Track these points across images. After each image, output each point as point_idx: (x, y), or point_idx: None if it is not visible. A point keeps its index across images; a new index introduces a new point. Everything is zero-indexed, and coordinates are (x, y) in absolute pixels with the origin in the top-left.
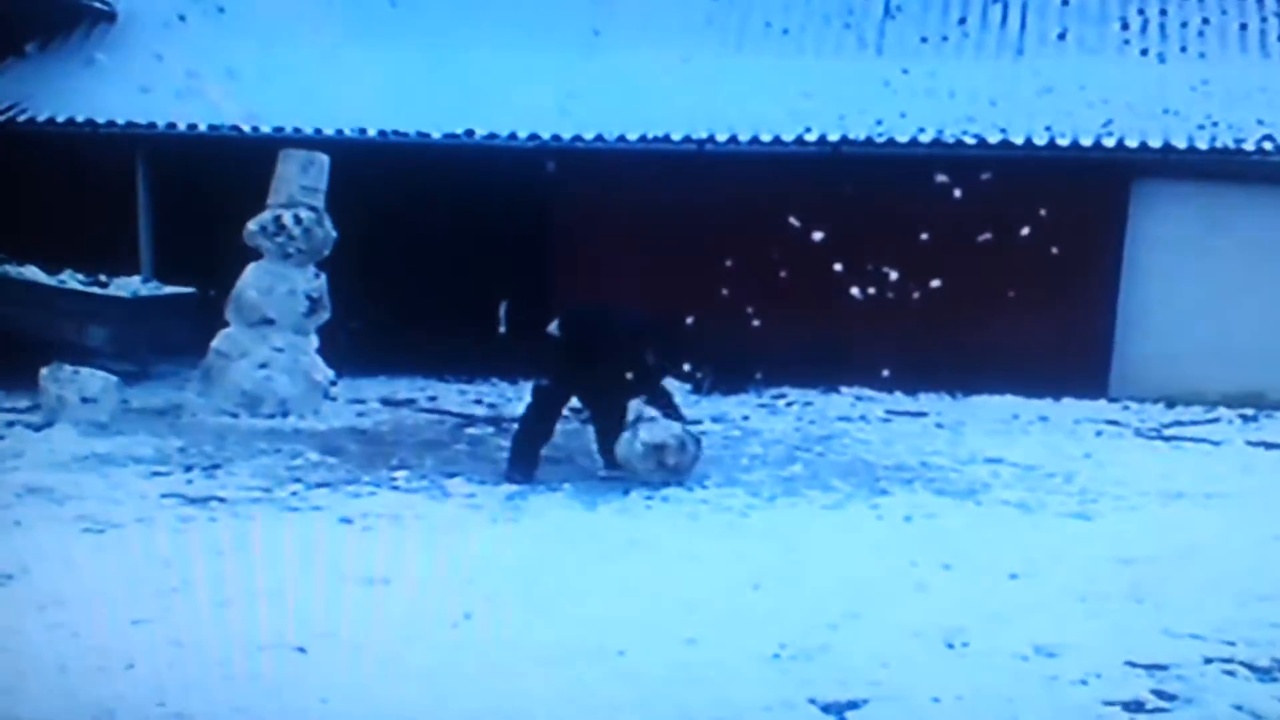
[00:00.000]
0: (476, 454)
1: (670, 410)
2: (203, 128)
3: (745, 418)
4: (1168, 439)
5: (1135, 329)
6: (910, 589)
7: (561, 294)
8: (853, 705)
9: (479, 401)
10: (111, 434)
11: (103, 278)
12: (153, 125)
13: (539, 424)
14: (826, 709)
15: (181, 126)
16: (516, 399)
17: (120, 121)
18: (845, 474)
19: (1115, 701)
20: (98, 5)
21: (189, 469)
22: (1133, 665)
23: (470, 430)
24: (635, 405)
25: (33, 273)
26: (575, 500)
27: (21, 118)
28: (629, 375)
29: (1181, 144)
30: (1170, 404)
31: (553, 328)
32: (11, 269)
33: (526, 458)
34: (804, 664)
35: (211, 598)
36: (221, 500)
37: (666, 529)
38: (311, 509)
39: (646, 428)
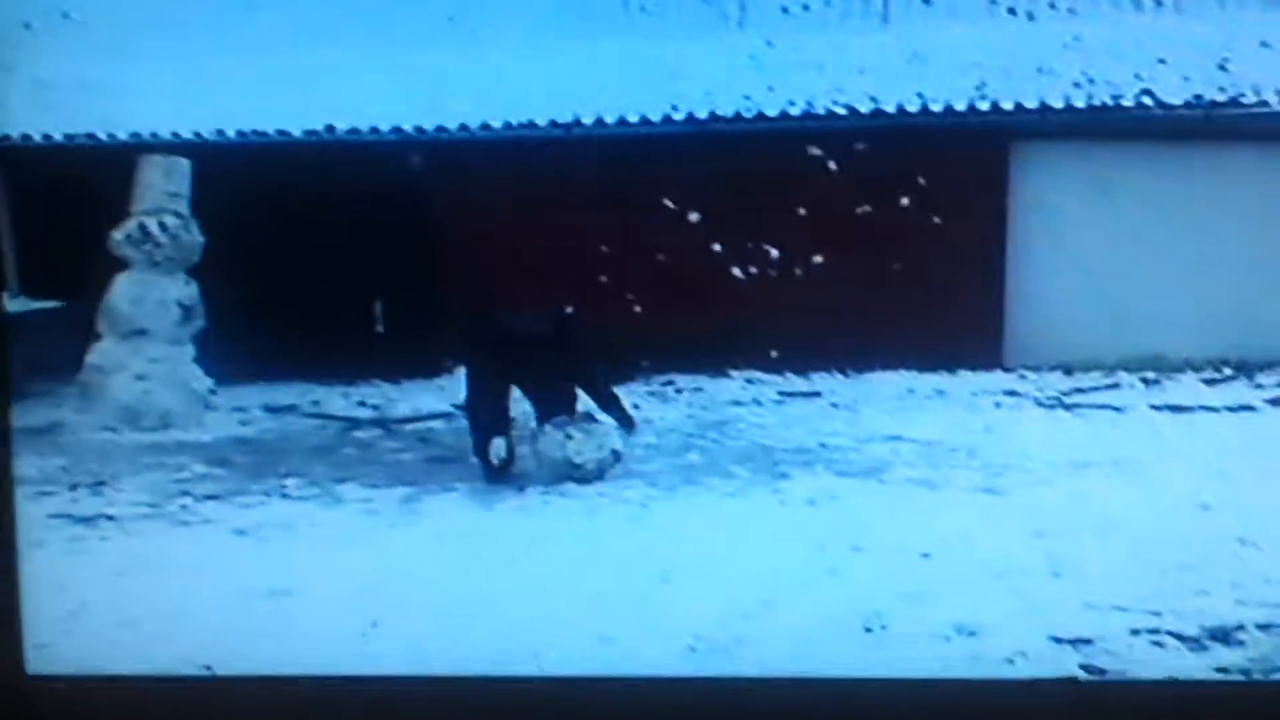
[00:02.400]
0: (366, 458)
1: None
2: (57, 137)
3: (635, 406)
4: (1069, 407)
5: (1026, 296)
6: (822, 574)
7: (439, 290)
8: None
9: (363, 404)
10: None
11: None
12: (6, 137)
13: (487, 414)
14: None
15: (36, 137)
16: (400, 400)
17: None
18: (743, 460)
19: (1044, 679)
20: None
21: (74, 487)
22: (1058, 641)
23: (357, 434)
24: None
25: None
26: (471, 500)
27: None
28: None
29: (1058, 103)
30: (1068, 371)
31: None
32: None
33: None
34: (721, 656)
35: (111, 618)
36: (111, 518)
37: (568, 525)
38: (203, 522)
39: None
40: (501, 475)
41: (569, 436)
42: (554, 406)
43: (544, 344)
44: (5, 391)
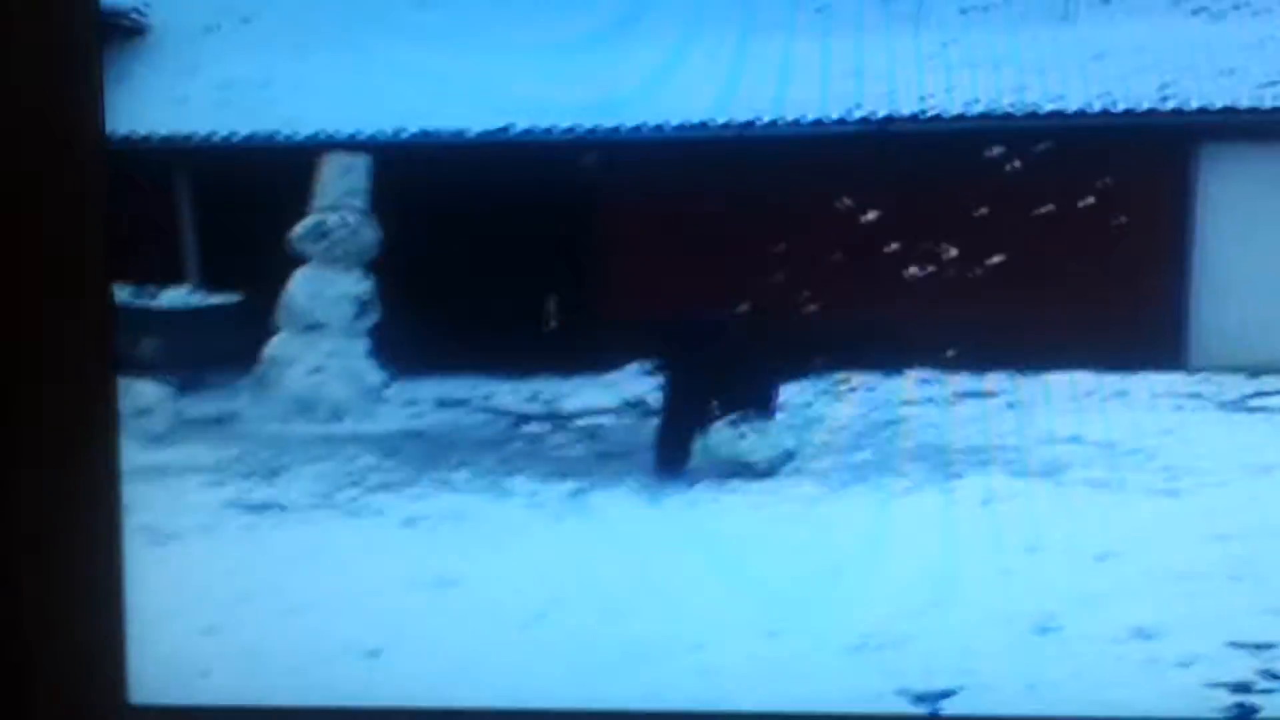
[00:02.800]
0: (535, 451)
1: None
2: (239, 137)
3: (808, 404)
4: (1252, 410)
5: (1213, 298)
6: (995, 574)
7: (613, 287)
8: (945, 694)
9: (534, 399)
10: (168, 445)
11: (150, 289)
12: (190, 137)
13: (676, 412)
14: (918, 699)
15: (218, 137)
16: (571, 395)
17: (159, 134)
18: (916, 459)
19: (1220, 683)
20: (126, 23)
21: (248, 477)
22: (1236, 646)
23: (527, 428)
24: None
25: None
26: (639, 495)
27: None
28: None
29: (1244, 104)
30: (1253, 374)
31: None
32: None
33: (671, 448)
34: (890, 654)
35: (280, 605)
36: (282, 507)
37: (736, 521)
38: (373, 513)
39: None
40: (676, 473)
41: (742, 435)
42: (744, 404)
43: (741, 341)
44: (110, 390)
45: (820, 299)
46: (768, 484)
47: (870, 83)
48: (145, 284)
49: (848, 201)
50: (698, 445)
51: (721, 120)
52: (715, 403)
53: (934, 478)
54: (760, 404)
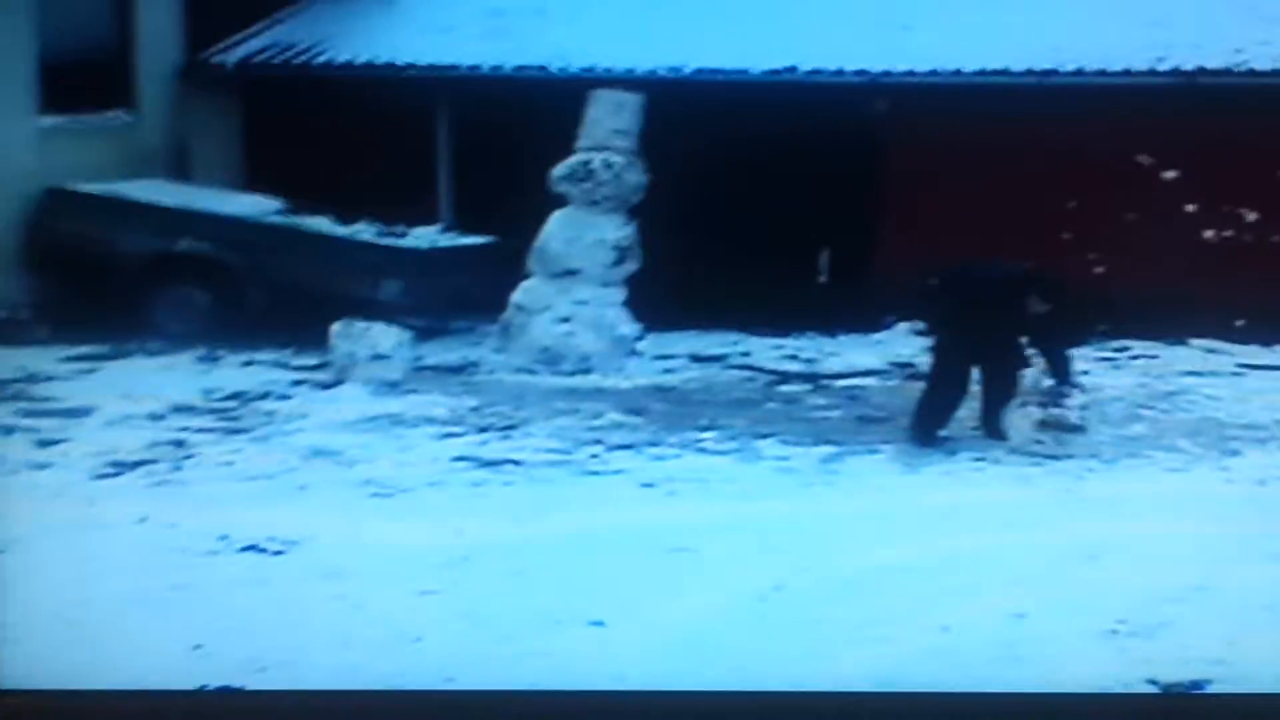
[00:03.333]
0: (791, 414)
1: (1064, 374)
2: (507, 69)
3: (1085, 373)
4: None
5: None
6: (1262, 559)
7: (889, 241)
8: (1196, 686)
9: (794, 358)
10: (403, 392)
11: (399, 228)
12: (454, 67)
13: (942, 382)
14: (1167, 689)
15: (485, 68)
16: (834, 354)
17: (421, 63)
18: (1193, 434)
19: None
20: None
21: (483, 430)
22: None
23: (784, 388)
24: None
25: (324, 224)
26: (896, 463)
27: (318, 60)
28: (1019, 337)
29: None
30: None
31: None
32: (303, 221)
33: (930, 417)
34: (1143, 641)
35: (505, 568)
36: (517, 464)
37: (995, 494)
38: (612, 473)
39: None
40: (935, 442)
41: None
42: (999, 381)
43: (1020, 295)
44: None
45: (1109, 261)
46: (1033, 455)
47: (1178, 32)
48: (392, 222)
49: (1146, 158)
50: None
51: (1021, 68)
52: (988, 368)
53: (1210, 454)
54: (1061, 373)
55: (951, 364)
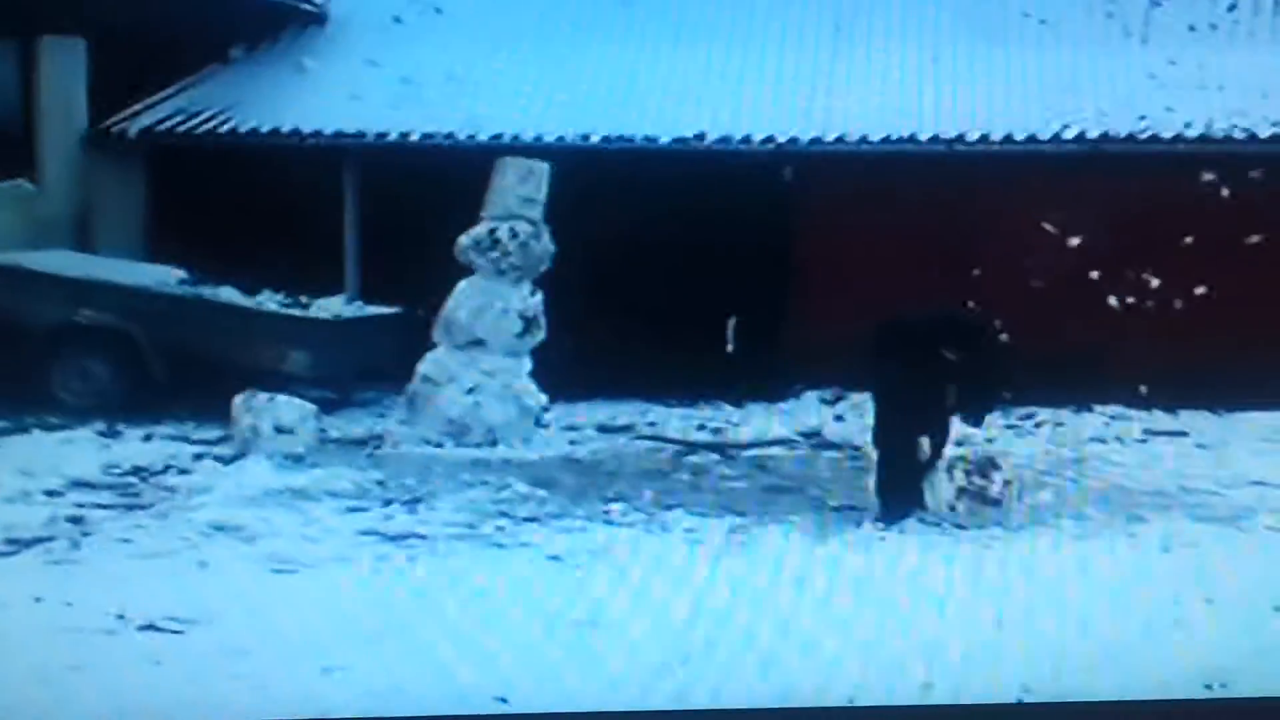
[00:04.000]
0: (699, 485)
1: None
2: (416, 136)
3: (990, 440)
4: None
5: None
6: (1169, 626)
7: (796, 310)
8: None
9: (703, 427)
10: (307, 466)
11: (304, 299)
12: (362, 134)
13: (895, 450)
14: None
15: (393, 135)
16: (743, 423)
17: (328, 131)
18: (1099, 501)
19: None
20: (307, 7)
21: (388, 503)
22: None
23: (692, 459)
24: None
25: (229, 294)
26: (805, 534)
27: (224, 127)
28: (952, 388)
29: None
30: None
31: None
32: (206, 290)
33: (893, 492)
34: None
35: (409, 645)
36: (422, 537)
37: (903, 563)
38: (518, 545)
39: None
40: (902, 516)
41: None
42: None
43: (975, 346)
44: None
45: (1014, 327)
46: (941, 524)
47: (1085, 99)
48: (296, 292)
49: (1052, 225)
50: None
51: (927, 135)
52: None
53: (1116, 520)
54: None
55: (896, 426)
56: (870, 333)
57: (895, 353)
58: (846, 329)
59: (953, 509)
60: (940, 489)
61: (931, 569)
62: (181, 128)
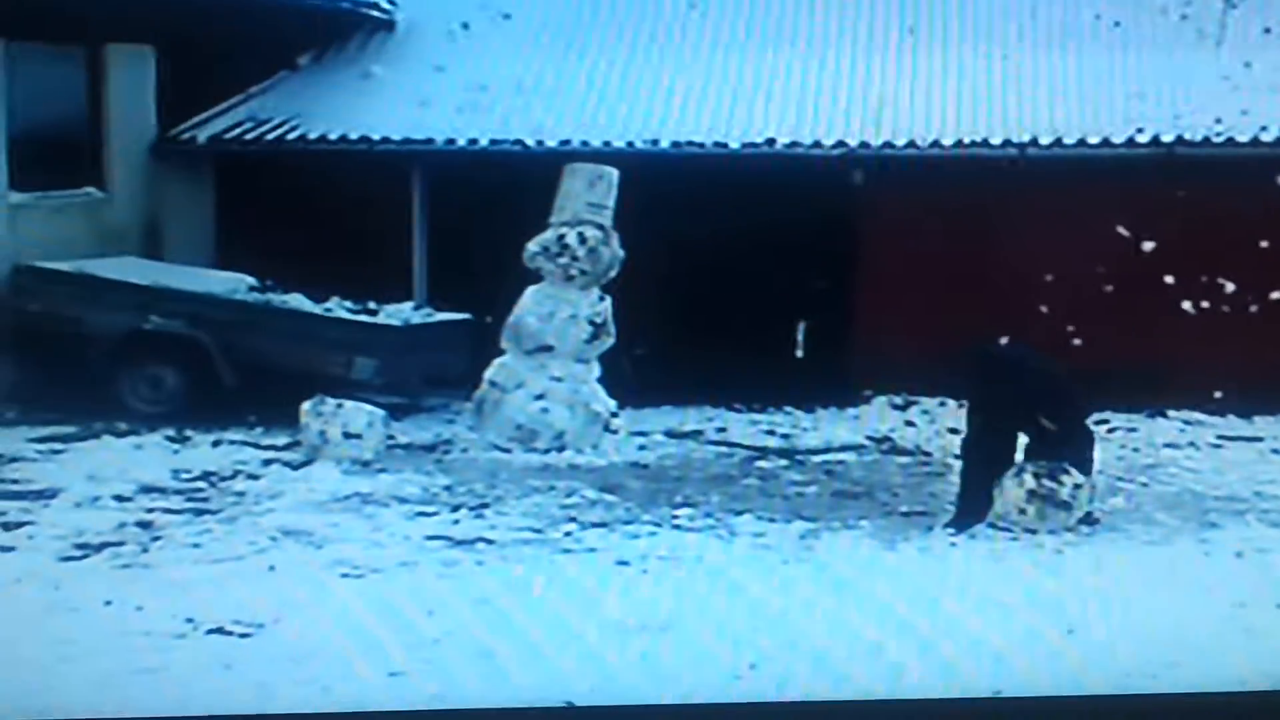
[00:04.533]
0: (767, 489)
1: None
2: (484, 143)
3: None
4: None
5: None
6: (1239, 633)
7: (866, 315)
8: None
9: (771, 433)
10: (375, 472)
11: (372, 305)
12: (430, 141)
13: (981, 455)
14: None
15: (462, 142)
16: (812, 429)
17: (396, 138)
18: (1171, 507)
19: None
20: (375, 14)
21: (456, 509)
22: None
23: (761, 464)
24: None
25: (298, 301)
26: (874, 539)
27: (292, 135)
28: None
29: None
30: None
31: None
32: (275, 298)
33: (971, 502)
34: None
35: (475, 649)
36: (489, 542)
37: (973, 570)
38: (586, 551)
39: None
40: (975, 522)
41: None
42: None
43: (1058, 383)
44: None
45: (1087, 333)
46: (1011, 529)
47: (1159, 104)
48: (365, 299)
49: (1125, 229)
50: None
51: (999, 139)
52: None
53: (1188, 527)
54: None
55: (984, 443)
56: (965, 351)
57: (985, 379)
58: (917, 334)
59: (1022, 512)
60: (1009, 492)
61: (1002, 574)
62: (250, 135)
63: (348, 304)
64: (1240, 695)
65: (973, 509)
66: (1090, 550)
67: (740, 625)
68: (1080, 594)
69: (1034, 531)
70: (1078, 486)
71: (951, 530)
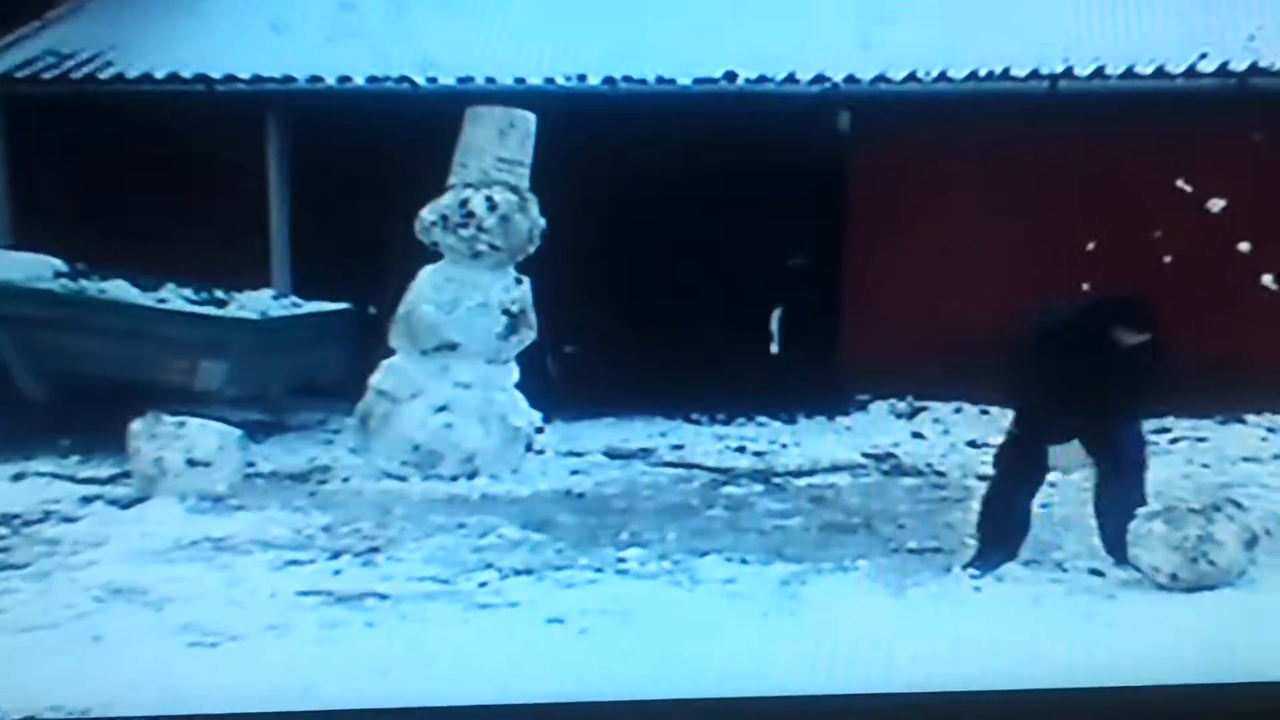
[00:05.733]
0: (738, 523)
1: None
2: (360, 81)
3: None
4: None
5: None
6: None
7: (858, 297)
8: None
9: (742, 450)
10: (231, 509)
11: (220, 294)
12: (290, 79)
13: (1011, 485)
14: None
15: (330, 80)
16: (793, 444)
17: (245, 76)
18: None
19: None
20: None
21: (337, 555)
22: None
23: (730, 490)
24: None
25: (121, 290)
26: (876, 583)
27: (106, 73)
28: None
29: None
30: None
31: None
32: (92, 286)
33: (998, 536)
34: None
35: None
36: (382, 597)
37: (1003, 622)
38: (507, 606)
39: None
40: (1000, 561)
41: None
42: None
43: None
44: None
45: None
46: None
47: (1228, 21)
48: (210, 285)
49: (1186, 184)
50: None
51: (1026, 70)
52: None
53: (1275, 561)
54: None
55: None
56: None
57: (1045, 350)
58: (922, 321)
59: (1174, 579)
60: (1155, 546)
61: (1042, 627)
62: (50, 73)
63: (188, 292)
64: None
65: (1002, 539)
66: (1149, 597)
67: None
68: (1142, 653)
69: (1065, 570)
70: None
71: (974, 570)
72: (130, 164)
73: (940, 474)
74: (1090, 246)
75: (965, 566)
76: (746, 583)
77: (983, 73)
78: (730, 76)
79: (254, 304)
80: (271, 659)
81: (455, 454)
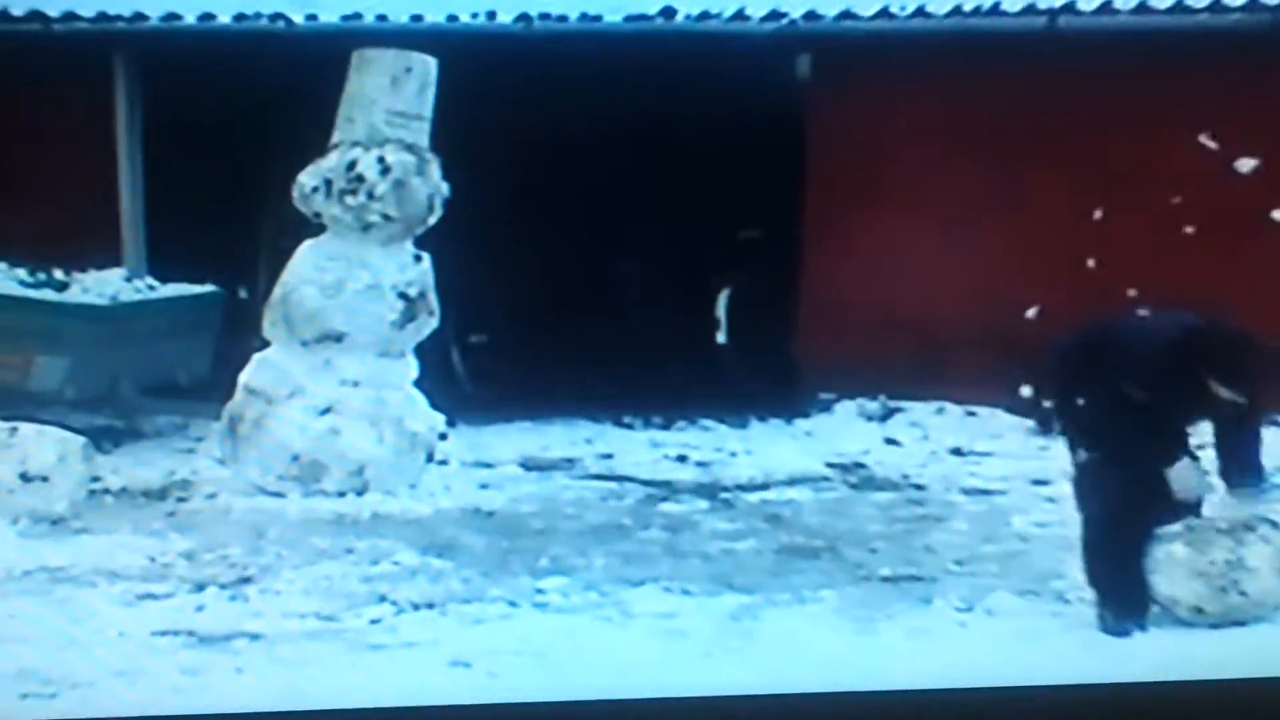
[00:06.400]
0: (679, 546)
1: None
2: (225, 19)
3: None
4: None
5: None
6: None
7: (819, 275)
8: None
9: (683, 459)
10: (73, 533)
11: (59, 274)
12: (141, 17)
13: (1119, 523)
14: None
15: (190, 18)
16: (744, 453)
17: (87, 14)
18: None
19: None
20: None
21: (201, 588)
22: None
23: (668, 507)
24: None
25: None
26: (841, 617)
27: None
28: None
29: None
30: None
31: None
32: None
33: (1122, 586)
34: None
35: None
36: (254, 637)
37: (992, 663)
38: (403, 646)
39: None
40: (1140, 615)
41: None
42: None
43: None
44: None
45: (1156, 295)
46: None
47: None
48: (47, 264)
49: (1210, 139)
50: None
51: (1020, 3)
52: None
53: None
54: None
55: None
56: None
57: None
58: (897, 303)
59: (1199, 612)
60: (1175, 573)
61: (1041, 665)
62: None
63: (20, 273)
64: None
65: (1129, 591)
66: (1168, 633)
67: None
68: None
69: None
70: None
71: (1114, 633)
72: None
73: (919, 487)
74: (1097, 215)
75: (1102, 630)
76: (688, 618)
77: (968, 7)
78: (668, 13)
79: (100, 287)
80: (121, 712)
81: (342, 465)
